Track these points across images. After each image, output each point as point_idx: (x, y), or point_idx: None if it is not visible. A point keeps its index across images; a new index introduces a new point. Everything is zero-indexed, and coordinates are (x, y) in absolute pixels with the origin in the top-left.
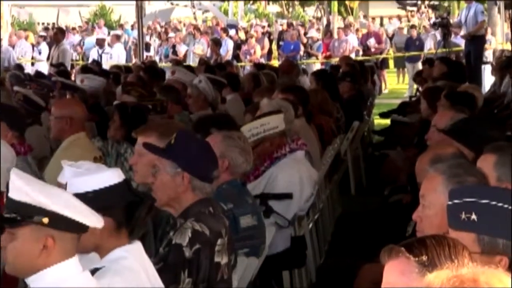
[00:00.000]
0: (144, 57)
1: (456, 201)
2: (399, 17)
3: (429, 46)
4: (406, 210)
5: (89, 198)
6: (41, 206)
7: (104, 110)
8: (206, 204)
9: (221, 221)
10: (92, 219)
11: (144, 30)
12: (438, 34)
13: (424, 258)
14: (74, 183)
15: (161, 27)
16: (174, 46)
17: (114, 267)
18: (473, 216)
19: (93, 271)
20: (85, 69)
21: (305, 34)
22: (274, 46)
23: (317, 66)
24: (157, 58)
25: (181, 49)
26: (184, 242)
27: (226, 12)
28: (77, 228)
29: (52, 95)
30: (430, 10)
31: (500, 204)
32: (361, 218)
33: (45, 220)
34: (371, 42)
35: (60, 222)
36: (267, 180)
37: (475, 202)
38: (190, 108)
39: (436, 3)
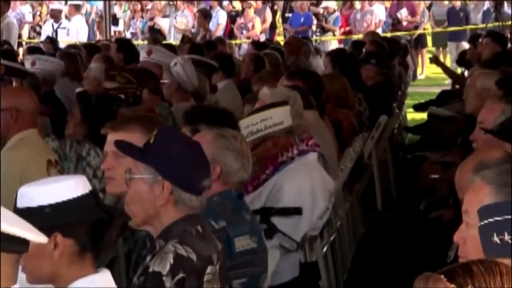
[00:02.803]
0: (112, 33)
1: (486, 221)
2: None
3: (477, 19)
4: (447, 230)
5: (45, 215)
6: None
7: (61, 101)
8: (192, 221)
9: (211, 244)
10: (35, 234)
11: None
12: (487, 4)
13: None
14: (26, 194)
15: None
16: (152, 19)
17: None
18: (507, 237)
19: None
20: (35, 49)
21: (318, 3)
22: (278, 19)
23: (333, 44)
24: (128, 35)
25: (163, 23)
26: (165, 270)
27: None
28: (13, 244)
29: None
30: None
31: None
32: (390, 240)
33: None
34: (403, 13)
35: None
36: (269, 191)
37: (508, 220)
38: (168, 100)
39: None
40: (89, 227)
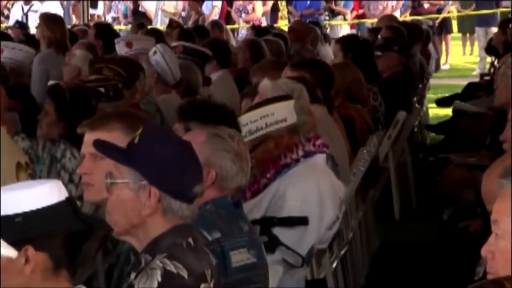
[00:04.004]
0: (89, 16)
1: None
2: None
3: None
4: (474, 242)
5: (15, 225)
6: None
7: (32, 95)
8: (183, 233)
9: (204, 259)
10: (3, 247)
11: None
12: None
13: None
14: None
15: None
16: (137, 1)
17: None
18: None
19: None
20: (3, 35)
21: None
22: (281, 1)
23: (345, 30)
24: (109, 19)
25: (149, 6)
26: None
27: None
28: None
29: None
30: None
31: None
32: (409, 254)
33: None
34: None
35: None
36: (271, 198)
37: None
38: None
39: None
40: (64, 239)
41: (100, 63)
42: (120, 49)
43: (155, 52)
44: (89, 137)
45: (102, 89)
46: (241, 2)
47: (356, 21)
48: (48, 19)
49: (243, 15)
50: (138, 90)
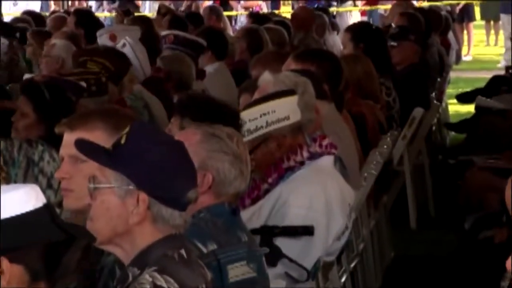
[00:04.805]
0: (69, 3)
1: None
2: None
3: None
4: (499, 254)
5: None
6: None
7: (6, 90)
8: (174, 244)
9: (198, 272)
10: None
11: None
12: None
13: None
14: None
15: None
16: None
17: None
18: None
19: None
20: None
21: None
22: None
23: (355, 17)
24: (93, 5)
25: None
26: None
27: None
28: None
29: None
30: None
31: None
32: (426, 267)
33: None
34: None
35: None
36: (272, 204)
37: None
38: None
39: None
40: (42, 250)
41: (84, 56)
42: (103, 42)
43: (124, 45)
44: (68, 137)
45: (84, 83)
46: None
47: (367, 7)
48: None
49: (241, 1)
50: (127, 85)
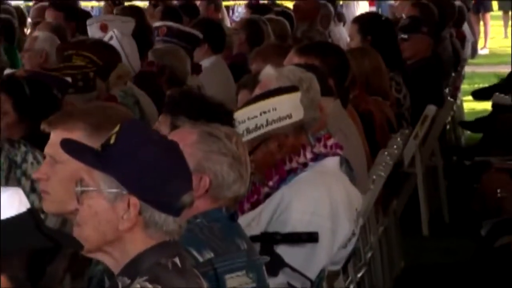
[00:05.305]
0: None
1: None
2: None
3: None
4: None
5: None
6: None
7: None
8: (168, 251)
9: (193, 282)
10: None
11: None
12: None
13: None
14: None
15: None
16: None
17: None
18: None
19: None
20: None
21: None
22: None
23: (362, 7)
24: None
25: None
26: None
27: None
28: None
29: None
30: None
31: None
32: (439, 277)
33: None
34: None
35: None
36: (273, 209)
37: None
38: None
39: None
40: (26, 258)
41: (69, 49)
42: (94, 32)
43: (111, 38)
44: (52, 137)
45: (69, 79)
46: None
47: None
48: None
49: None
50: (114, 81)
